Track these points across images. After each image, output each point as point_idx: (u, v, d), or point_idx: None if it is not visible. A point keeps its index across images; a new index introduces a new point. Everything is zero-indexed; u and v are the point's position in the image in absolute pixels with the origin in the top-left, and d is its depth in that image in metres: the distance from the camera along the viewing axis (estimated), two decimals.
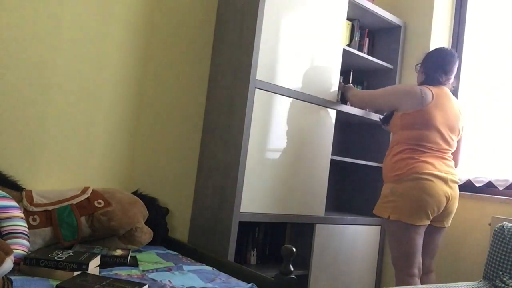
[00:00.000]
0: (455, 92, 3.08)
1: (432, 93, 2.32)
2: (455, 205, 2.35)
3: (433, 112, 2.29)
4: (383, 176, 2.42)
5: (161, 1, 2.48)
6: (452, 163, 2.37)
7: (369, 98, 2.58)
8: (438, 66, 2.41)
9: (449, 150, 2.36)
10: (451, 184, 2.29)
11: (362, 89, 3.18)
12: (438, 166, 2.27)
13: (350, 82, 2.94)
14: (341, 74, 2.97)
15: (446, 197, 2.26)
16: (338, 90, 2.77)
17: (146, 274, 1.74)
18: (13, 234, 1.69)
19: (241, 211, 2.33)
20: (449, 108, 2.35)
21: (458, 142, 2.45)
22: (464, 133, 2.49)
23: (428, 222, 2.27)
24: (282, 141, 2.48)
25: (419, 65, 2.53)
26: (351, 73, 3.04)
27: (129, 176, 2.41)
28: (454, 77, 2.47)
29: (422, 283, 2.42)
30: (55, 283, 1.49)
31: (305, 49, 2.57)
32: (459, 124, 2.39)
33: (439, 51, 2.47)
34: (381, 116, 2.72)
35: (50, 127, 2.15)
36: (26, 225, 1.76)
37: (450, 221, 2.41)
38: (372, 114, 2.97)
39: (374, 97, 2.55)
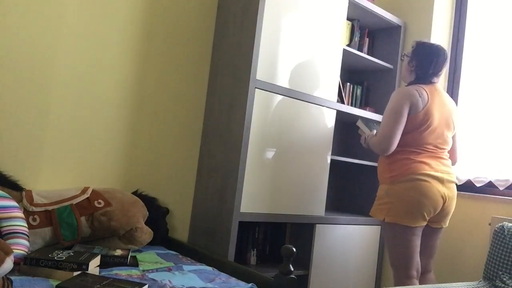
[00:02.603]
0: (455, 92, 3.08)
1: (426, 93, 2.27)
2: (453, 205, 2.32)
3: (429, 112, 2.24)
4: (378, 178, 2.38)
5: (161, 1, 2.48)
6: (449, 162, 2.33)
7: (382, 135, 2.28)
8: (430, 68, 2.32)
9: (445, 148, 2.32)
10: (447, 184, 2.26)
11: (362, 89, 3.18)
12: (435, 166, 2.24)
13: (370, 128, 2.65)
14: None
15: (442, 197, 2.23)
16: (364, 139, 2.51)
17: (146, 274, 1.74)
18: (13, 234, 1.69)
19: (241, 211, 2.33)
20: (442, 106, 2.31)
21: (453, 138, 2.41)
22: (461, 129, 2.44)
23: (424, 223, 2.24)
24: (282, 141, 2.48)
25: (407, 57, 2.40)
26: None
27: (129, 176, 2.41)
28: (452, 77, 2.45)
29: (420, 283, 2.41)
30: (55, 283, 1.48)
31: (305, 49, 2.57)
32: (453, 120, 2.35)
33: (432, 50, 2.35)
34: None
35: (50, 127, 2.15)
36: (26, 225, 1.76)
37: (447, 222, 2.38)
38: (373, 114, 2.97)
39: (382, 128, 2.29)
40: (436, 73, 2.34)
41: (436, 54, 2.33)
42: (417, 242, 2.25)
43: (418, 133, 2.25)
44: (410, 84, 2.37)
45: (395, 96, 2.29)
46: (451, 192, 2.28)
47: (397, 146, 2.27)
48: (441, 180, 2.23)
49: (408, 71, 2.40)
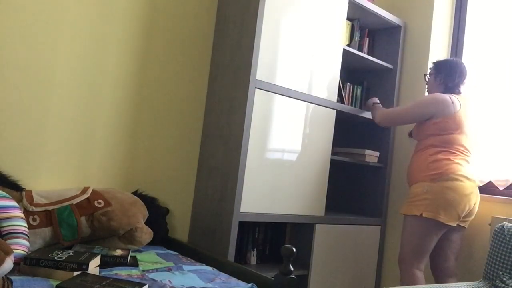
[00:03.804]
0: None
1: (458, 100, 2.47)
2: (477, 206, 2.46)
3: (462, 118, 2.44)
4: (411, 177, 2.50)
5: (161, 1, 2.48)
6: (472, 165, 2.49)
7: (397, 116, 2.62)
8: (457, 77, 2.54)
9: (471, 153, 2.50)
10: (475, 186, 2.41)
11: (363, 89, 3.18)
12: (467, 168, 2.41)
13: (376, 100, 2.93)
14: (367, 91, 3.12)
15: (473, 198, 2.38)
16: (366, 106, 2.93)
17: (146, 274, 1.74)
18: (13, 234, 1.69)
19: (241, 211, 2.33)
20: (468, 113, 2.51)
21: None
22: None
23: (455, 224, 2.36)
24: (282, 141, 2.48)
25: (431, 75, 2.62)
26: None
27: (129, 176, 2.41)
28: None
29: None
30: (55, 283, 1.48)
31: (305, 49, 2.57)
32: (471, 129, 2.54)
33: (454, 62, 2.57)
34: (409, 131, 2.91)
35: (50, 127, 2.15)
36: (26, 225, 1.76)
37: (469, 222, 2.50)
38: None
39: (403, 114, 2.58)
40: (462, 81, 2.56)
41: (458, 65, 2.57)
42: (435, 242, 2.40)
43: (453, 135, 2.42)
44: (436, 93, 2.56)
45: (430, 96, 2.50)
46: (477, 193, 2.44)
47: (437, 147, 2.44)
48: (472, 182, 2.39)
49: (435, 86, 2.60)
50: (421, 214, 2.34)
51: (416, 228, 2.38)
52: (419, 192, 2.40)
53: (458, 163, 2.38)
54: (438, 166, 2.38)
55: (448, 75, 2.54)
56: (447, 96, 2.46)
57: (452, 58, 2.65)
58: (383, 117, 2.68)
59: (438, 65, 2.60)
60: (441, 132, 2.43)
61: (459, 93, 2.55)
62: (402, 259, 2.41)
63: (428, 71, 2.66)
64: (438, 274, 2.52)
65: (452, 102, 2.44)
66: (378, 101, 2.89)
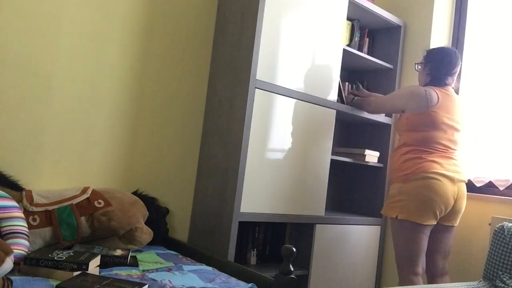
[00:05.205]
0: (456, 92, 3.07)
1: (437, 94, 2.35)
2: (463, 203, 2.38)
3: (439, 113, 2.32)
4: (390, 177, 2.47)
5: (161, 1, 2.48)
6: (459, 162, 2.39)
7: (379, 103, 2.64)
8: (444, 68, 2.42)
9: (455, 149, 2.39)
10: (458, 183, 2.32)
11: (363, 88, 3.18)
12: (446, 166, 2.30)
13: (356, 87, 2.94)
14: (347, 81, 3.06)
15: (453, 196, 2.29)
16: (347, 100, 2.85)
17: (146, 274, 1.74)
18: (13, 234, 1.69)
19: (241, 211, 2.33)
20: (454, 109, 2.38)
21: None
22: (467, 131, 2.52)
23: (435, 222, 2.29)
24: (282, 141, 2.48)
25: (421, 64, 2.53)
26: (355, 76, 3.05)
27: (129, 176, 2.41)
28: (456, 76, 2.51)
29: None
30: (55, 283, 1.48)
31: (305, 49, 2.57)
32: (464, 124, 2.43)
33: (444, 51, 2.46)
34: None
35: (50, 127, 2.15)
36: (26, 225, 1.76)
37: (458, 220, 2.43)
38: (373, 114, 2.97)
39: (383, 102, 2.61)
40: (449, 72, 2.43)
41: (447, 54, 2.43)
42: (425, 241, 2.31)
43: (428, 132, 2.32)
44: (424, 85, 2.47)
45: (406, 88, 2.49)
46: (462, 190, 2.35)
47: (409, 145, 2.36)
48: (452, 179, 2.29)
49: (424, 76, 2.52)
50: (396, 216, 2.30)
51: (398, 231, 2.33)
52: (394, 194, 2.36)
53: (432, 161, 2.28)
54: (408, 165, 2.32)
55: (435, 65, 2.43)
56: (422, 90, 2.36)
57: (444, 46, 2.53)
58: (371, 107, 2.70)
59: (428, 54, 2.50)
60: (415, 128, 2.35)
61: (444, 85, 2.42)
62: (397, 265, 2.37)
63: (422, 58, 2.56)
64: (427, 273, 2.48)
65: (427, 97, 2.32)
66: (356, 91, 2.88)
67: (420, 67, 2.55)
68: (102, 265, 1.77)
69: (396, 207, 2.32)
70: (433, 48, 2.52)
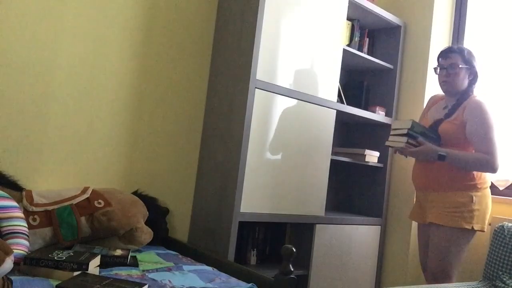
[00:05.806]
0: None
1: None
2: None
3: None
4: (440, 183, 2.28)
5: (161, 1, 2.48)
6: None
7: (491, 152, 2.26)
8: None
9: None
10: None
11: (363, 89, 3.17)
12: None
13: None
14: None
15: None
16: (399, 151, 2.37)
17: (146, 274, 1.74)
18: (13, 234, 1.69)
19: (241, 211, 2.33)
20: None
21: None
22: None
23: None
24: (282, 141, 2.48)
25: (462, 68, 2.32)
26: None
27: (129, 176, 2.41)
28: None
29: None
30: (55, 283, 1.48)
31: (305, 49, 2.57)
32: None
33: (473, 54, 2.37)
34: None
35: (50, 127, 2.15)
36: (26, 225, 1.76)
37: None
38: (373, 114, 2.97)
39: (491, 147, 2.26)
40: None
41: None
42: None
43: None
44: (465, 92, 2.35)
45: (486, 110, 2.26)
46: None
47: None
48: None
49: (464, 80, 2.35)
50: (472, 227, 2.20)
51: (463, 241, 2.23)
52: (466, 203, 2.23)
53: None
54: (477, 174, 2.27)
55: (476, 72, 2.37)
56: (487, 105, 2.31)
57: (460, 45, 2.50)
58: (457, 162, 2.25)
59: (469, 55, 2.34)
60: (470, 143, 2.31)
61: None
62: (445, 275, 2.22)
63: (460, 57, 2.33)
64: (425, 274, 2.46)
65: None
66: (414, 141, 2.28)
67: (464, 69, 2.33)
68: (102, 265, 1.77)
69: (471, 217, 2.21)
70: (470, 50, 2.36)
